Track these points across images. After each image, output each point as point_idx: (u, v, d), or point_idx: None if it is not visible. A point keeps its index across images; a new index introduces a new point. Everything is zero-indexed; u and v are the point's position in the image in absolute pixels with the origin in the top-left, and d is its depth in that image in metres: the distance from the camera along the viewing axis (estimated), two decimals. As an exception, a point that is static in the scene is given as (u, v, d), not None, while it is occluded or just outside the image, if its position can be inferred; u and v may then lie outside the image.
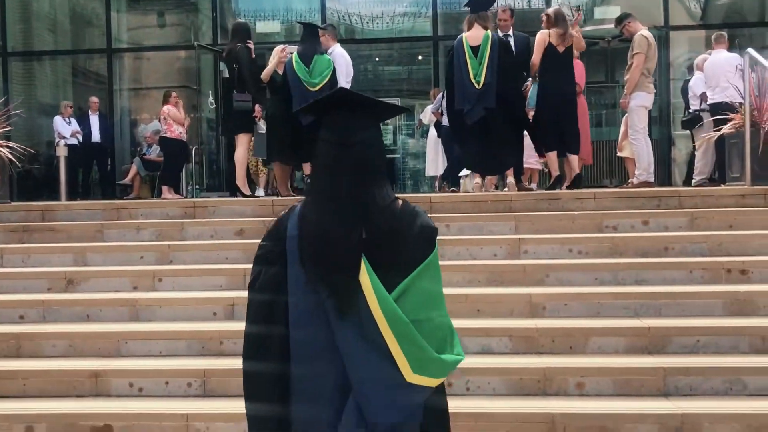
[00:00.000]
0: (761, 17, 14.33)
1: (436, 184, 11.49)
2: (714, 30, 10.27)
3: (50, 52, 15.42)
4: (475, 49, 7.54)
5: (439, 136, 10.67)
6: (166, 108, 10.79)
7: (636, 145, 8.24)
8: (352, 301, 2.03)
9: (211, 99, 13.47)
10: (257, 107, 8.59)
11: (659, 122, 12.75)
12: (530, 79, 7.83)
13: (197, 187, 12.94)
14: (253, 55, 8.74)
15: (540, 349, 4.77)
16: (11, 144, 8.05)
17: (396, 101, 14.91)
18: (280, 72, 8.39)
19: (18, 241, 6.66)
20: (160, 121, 11.23)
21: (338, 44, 8.92)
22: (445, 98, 8.38)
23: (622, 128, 9.17)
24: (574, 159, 7.84)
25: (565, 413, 4.16)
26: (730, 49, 9.12)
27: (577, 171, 7.85)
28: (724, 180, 7.95)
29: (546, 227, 6.20)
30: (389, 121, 13.89)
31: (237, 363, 4.72)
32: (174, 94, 11.12)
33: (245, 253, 6.06)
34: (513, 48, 7.86)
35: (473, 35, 7.62)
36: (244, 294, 5.53)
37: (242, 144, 8.69)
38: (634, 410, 4.18)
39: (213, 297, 5.47)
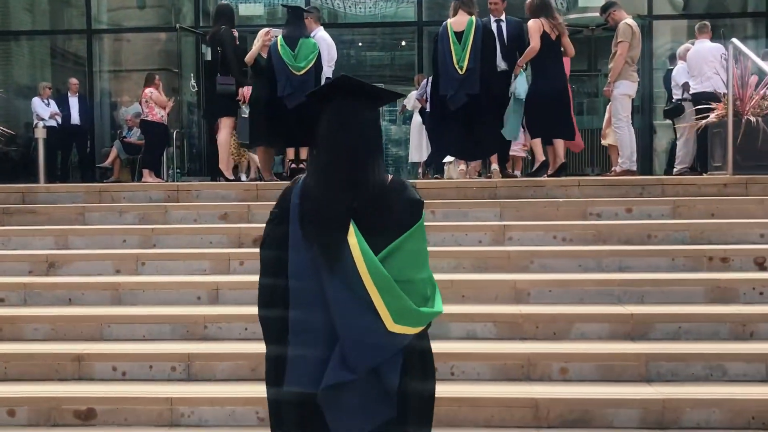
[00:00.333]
0: (743, 8, 14.46)
1: (420, 170, 11.50)
2: (696, 20, 10.34)
3: (28, 32, 15.18)
4: (459, 35, 7.53)
5: (423, 123, 10.66)
6: (148, 91, 10.68)
7: (619, 133, 8.29)
8: (339, 258, 2.30)
9: (192, 82, 13.33)
10: (242, 90, 8.51)
11: (641, 111, 12.84)
12: (516, 66, 7.78)
13: (178, 171, 12.85)
14: (237, 39, 8.67)
15: (524, 334, 4.80)
16: (-11, 125, 7.93)
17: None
18: (264, 55, 8.33)
19: (-2, 224, 6.58)
20: (141, 104, 11.11)
21: (321, 27, 8.87)
22: (430, 84, 8.37)
23: (606, 116, 9.22)
24: (559, 146, 7.85)
25: (549, 398, 4.19)
26: (714, 39, 9.17)
27: (562, 159, 7.87)
28: (706, 169, 8.02)
29: (530, 214, 6.23)
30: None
31: (221, 347, 4.79)
32: (157, 77, 11.00)
33: (229, 237, 6.05)
34: (505, 33, 7.82)
35: (458, 21, 7.61)
36: (228, 278, 5.56)
37: (225, 127, 8.63)
38: (616, 395, 4.22)
39: (197, 281, 5.44)
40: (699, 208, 6.19)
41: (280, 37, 8.11)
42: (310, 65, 7.98)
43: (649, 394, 4.21)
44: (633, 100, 8.57)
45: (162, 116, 10.84)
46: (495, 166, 8.04)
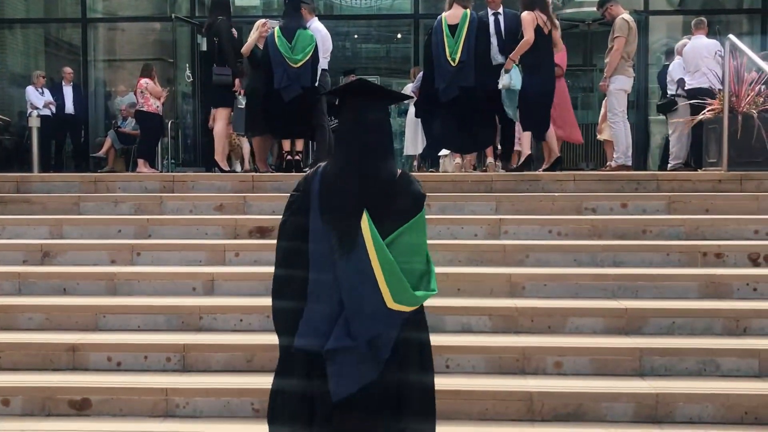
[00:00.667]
0: (739, 4, 14.50)
1: (415, 163, 11.49)
2: (692, 16, 10.35)
3: (22, 20, 15.08)
4: (452, 28, 7.51)
5: (417, 116, 10.63)
6: (143, 81, 10.64)
7: (615, 128, 8.30)
8: (353, 240, 2.62)
9: (188, 72, 13.29)
10: (237, 81, 8.49)
11: (636, 107, 12.86)
12: (509, 59, 7.74)
13: (172, 161, 12.81)
14: (234, 30, 8.64)
15: (519, 328, 4.82)
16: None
17: (375, 80, 14.86)
18: (261, 46, 8.31)
19: (-8, 212, 6.55)
20: (135, 94, 11.06)
21: (316, 18, 8.84)
22: (422, 78, 8.35)
23: (602, 111, 9.22)
24: (553, 140, 7.83)
25: (543, 391, 4.21)
26: (710, 35, 9.19)
27: (557, 153, 7.87)
28: (701, 165, 8.04)
29: (526, 208, 6.23)
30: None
31: (216, 338, 4.79)
32: (154, 68, 10.96)
33: (224, 228, 6.05)
34: (502, 26, 7.79)
35: (452, 14, 7.59)
36: (224, 269, 5.56)
37: (222, 118, 8.60)
38: (610, 389, 4.24)
39: (192, 272, 5.43)
40: (694, 204, 6.21)
41: (277, 28, 8.08)
42: (307, 57, 7.95)
43: (643, 388, 4.23)
44: (628, 95, 8.58)
45: (157, 107, 10.80)
46: (490, 160, 8.04)
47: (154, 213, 6.41)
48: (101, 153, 12.81)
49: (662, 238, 5.77)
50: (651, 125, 13.19)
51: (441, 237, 5.72)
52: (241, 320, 4.92)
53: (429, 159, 10.69)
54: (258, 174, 7.67)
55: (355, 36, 16.29)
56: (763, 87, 7.16)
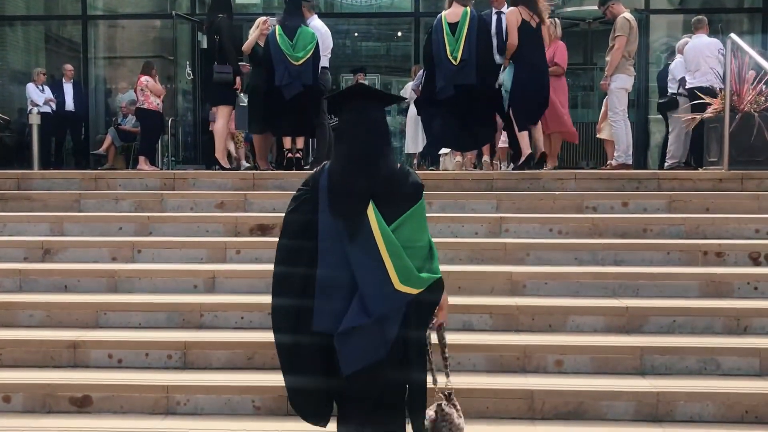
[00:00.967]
0: (739, 3, 14.49)
1: (415, 161, 11.49)
2: (693, 15, 10.33)
3: (22, 17, 15.07)
4: (453, 27, 7.49)
5: (419, 114, 10.62)
6: (144, 78, 10.63)
7: (615, 127, 8.30)
8: (360, 228, 2.91)
9: (188, 70, 13.28)
10: (238, 79, 8.49)
11: (637, 106, 12.86)
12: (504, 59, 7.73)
13: (173, 159, 12.81)
14: (234, 28, 8.64)
15: (520, 326, 4.82)
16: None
17: (375, 78, 14.85)
18: (262, 44, 8.30)
19: (-7, 210, 6.55)
20: (136, 91, 11.06)
21: (315, 16, 8.84)
22: (423, 77, 8.32)
23: (603, 110, 9.21)
24: (538, 135, 7.79)
25: (544, 390, 4.22)
26: (711, 34, 9.18)
27: (530, 150, 7.76)
28: (701, 164, 8.03)
29: (527, 206, 6.23)
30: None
31: (217, 336, 4.78)
32: (154, 66, 10.96)
33: (225, 225, 6.05)
34: (504, 25, 7.76)
35: (452, 12, 7.58)
36: (225, 267, 5.55)
37: (222, 116, 8.60)
38: (611, 388, 4.25)
39: (193, 269, 5.43)
40: (694, 203, 6.21)
41: (278, 26, 8.08)
42: (308, 55, 7.96)
43: (643, 386, 4.24)
44: (629, 94, 8.57)
45: (158, 104, 10.80)
46: (486, 158, 8.02)
47: (155, 210, 6.40)
48: (101, 150, 12.79)
49: (663, 236, 5.78)
50: (651, 124, 13.18)
51: (442, 235, 5.72)
52: (242, 318, 4.92)
53: (429, 157, 10.68)
54: (258, 172, 7.67)
55: (356, 34, 16.28)
56: (764, 86, 7.15)
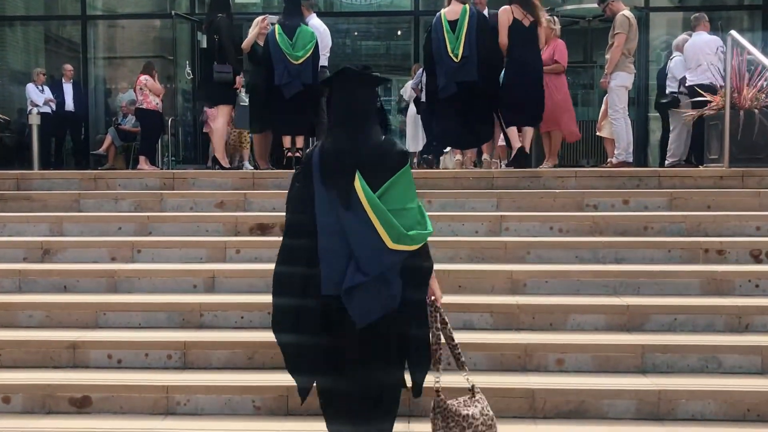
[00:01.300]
0: (739, 0, 14.45)
1: (415, 160, 11.47)
2: (692, 12, 10.32)
3: (22, 18, 15.06)
4: (452, 24, 7.47)
5: (418, 113, 10.62)
6: (143, 78, 10.62)
7: (616, 125, 8.28)
8: (350, 197, 3.20)
9: (188, 69, 13.27)
10: (238, 78, 8.47)
11: (637, 103, 12.84)
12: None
13: (173, 158, 12.79)
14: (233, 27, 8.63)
15: (520, 325, 4.81)
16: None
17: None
18: (261, 43, 8.29)
19: (-8, 210, 6.53)
20: (135, 91, 11.05)
21: (314, 15, 8.83)
22: (424, 75, 8.31)
23: (603, 108, 9.20)
24: (528, 134, 7.75)
25: (545, 389, 4.20)
26: (712, 31, 9.16)
27: (520, 145, 7.73)
28: (702, 161, 8.02)
29: (527, 205, 6.22)
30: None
31: (217, 335, 4.77)
32: (154, 66, 10.95)
33: (225, 225, 6.03)
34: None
35: (451, 10, 7.56)
36: (225, 266, 5.54)
37: (223, 115, 8.59)
38: (612, 386, 4.23)
39: (193, 269, 5.41)
40: (695, 200, 6.20)
41: (277, 25, 8.07)
42: (308, 54, 7.95)
43: (645, 385, 4.22)
44: (629, 91, 8.55)
45: (157, 104, 10.79)
46: (486, 157, 8.00)
47: (155, 210, 6.39)
48: (101, 150, 12.79)
49: (664, 234, 5.76)
50: (651, 122, 13.17)
51: (442, 234, 5.71)
52: (242, 317, 4.91)
53: (428, 156, 10.67)
54: (258, 171, 7.66)
55: (355, 33, 16.25)
56: (765, 83, 7.13)
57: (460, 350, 3.61)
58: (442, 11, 7.64)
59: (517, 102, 7.49)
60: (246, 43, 8.36)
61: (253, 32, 8.40)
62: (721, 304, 4.87)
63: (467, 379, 3.57)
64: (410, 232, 3.20)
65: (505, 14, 7.46)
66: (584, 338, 4.64)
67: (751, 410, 4.09)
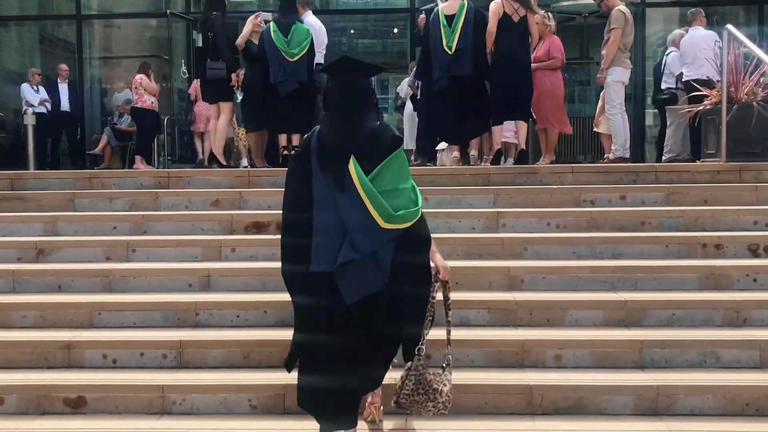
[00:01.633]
0: (736, -5, 14.42)
1: (412, 158, 11.41)
2: (689, 7, 10.29)
3: (17, 18, 15.00)
4: (449, 18, 7.46)
5: (415, 110, 10.57)
6: (138, 77, 10.59)
7: (613, 120, 8.25)
8: (344, 180, 3.43)
9: (183, 68, 13.23)
10: (233, 76, 8.41)
11: (634, 99, 12.81)
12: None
13: (169, 158, 12.75)
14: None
15: (518, 321, 4.79)
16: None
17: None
18: (255, 41, 8.25)
19: (-14, 210, 6.49)
20: (131, 90, 11.01)
21: (310, 12, 8.79)
22: (417, 70, 8.26)
23: (600, 104, 9.17)
24: (522, 131, 7.70)
25: (543, 385, 4.18)
26: (708, 26, 9.14)
27: (522, 146, 7.74)
28: (699, 156, 7.99)
29: (524, 201, 6.20)
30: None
31: (213, 334, 4.74)
32: (150, 65, 10.91)
33: (220, 223, 6.00)
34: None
35: (449, 5, 7.55)
36: (220, 265, 5.52)
37: (224, 112, 8.53)
38: (610, 382, 4.21)
39: (188, 268, 5.38)
40: (692, 195, 6.18)
41: (272, 23, 8.03)
42: (303, 52, 7.90)
43: (643, 380, 4.20)
44: (626, 87, 8.53)
45: (152, 103, 10.75)
46: (474, 153, 7.96)
47: (150, 209, 6.36)
48: (97, 150, 12.75)
49: (661, 229, 5.74)
50: (648, 117, 13.14)
51: (438, 231, 5.67)
52: (237, 316, 4.88)
53: (423, 151, 10.62)
54: (254, 169, 7.62)
55: (352, 31, 16.21)
56: (761, 77, 7.10)
57: (451, 310, 3.87)
58: (440, 6, 7.63)
59: (502, 99, 7.46)
60: (240, 40, 8.31)
61: (246, 29, 8.35)
62: (719, 299, 4.85)
63: (447, 348, 3.81)
64: (399, 212, 3.40)
65: (496, 6, 7.43)
66: (582, 334, 4.62)
67: (749, 404, 4.07)
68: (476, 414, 4.10)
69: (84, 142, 13.59)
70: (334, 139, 3.49)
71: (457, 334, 4.58)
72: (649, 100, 12.51)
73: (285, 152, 8.16)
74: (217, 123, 8.63)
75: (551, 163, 8.12)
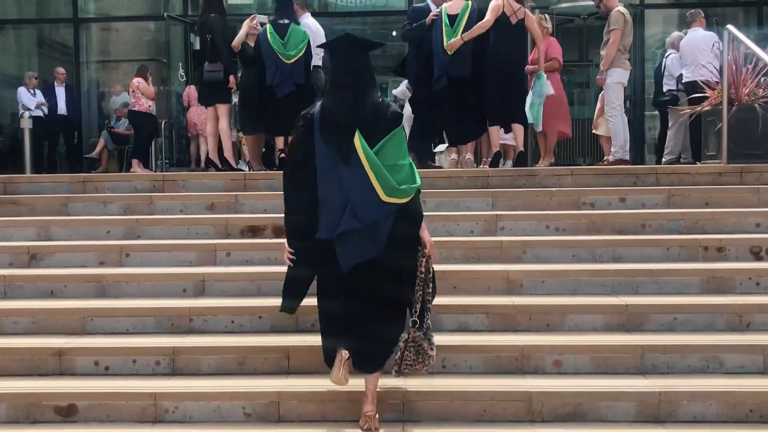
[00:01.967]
0: (735, -4, 14.36)
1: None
2: (687, 9, 10.24)
3: (14, 21, 14.94)
4: (452, 18, 7.39)
5: (413, 112, 10.49)
6: (135, 80, 10.52)
7: (612, 122, 8.18)
8: (349, 153, 3.64)
9: (181, 72, 13.17)
10: (231, 78, 8.33)
11: (633, 101, 12.74)
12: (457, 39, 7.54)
13: (166, 161, 12.68)
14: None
15: (517, 326, 4.71)
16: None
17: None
18: (251, 43, 8.18)
19: (-22, 215, 6.41)
20: (128, 93, 10.94)
21: (308, 14, 8.73)
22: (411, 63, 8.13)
23: (599, 105, 9.10)
24: (519, 133, 7.64)
25: (543, 391, 4.10)
26: (708, 27, 9.08)
27: (521, 148, 7.65)
28: (699, 158, 7.92)
29: (523, 204, 6.12)
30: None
31: (207, 340, 4.67)
32: (148, 69, 10.85)
33: (216, 227, 5.92)
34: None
35: (453, 5, 7.48)
36: (215, 270, 5.45)
37: (224, 115, 8.44)
38: (611, 388, 4.13)
39: (182, 273, 5.30)
40: (693, 197, 6.11)
41: (269, 24, 7.96)
42: (300, 54, 7.84)
43: (645, 386, 4.12)
44: (625, 88, 8.46)
45: (149, 106, 10.69)
46: (469, 156, 7.88)
47: (144, 213, 6.28)
48: (94, 154, 12.68)
49: (662, 232, 5.67)
50: (648, 119, 13.07)
51: (436, 234, 5.54)
52: (232, 321, 4.80)
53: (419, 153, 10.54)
54: (250, 173, 7.55)
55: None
56: (762, 78, 7.03)
57: (432, 299, 3.92)
58: (444, 5, 7.55)
59: (496, 101, 7.39)
60: (235, 42, 8.23)
61: (242, 32, 8.28)
62: (721, 303, 4.78)
63: (427, 315, 3.88)
64: (402, 186, 3.62)
65: (497, 2, 7.33)
66: (582, 339, 4.55)
67: (753, 411, 3.99)
68: (475, 422, 4.02)
69: (81, 145, 13.51)
70: (338, 114, 3.66)
71: (456, 339, 4.54)
72: (648, 102, 12.45)
73: (282, 155, 8.09)
74: (214, 126, 8.54)
75: (550, 165, 8.06)
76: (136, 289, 5.20)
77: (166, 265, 5.50)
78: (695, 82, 8.34)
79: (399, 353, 3.80)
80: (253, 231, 5.85)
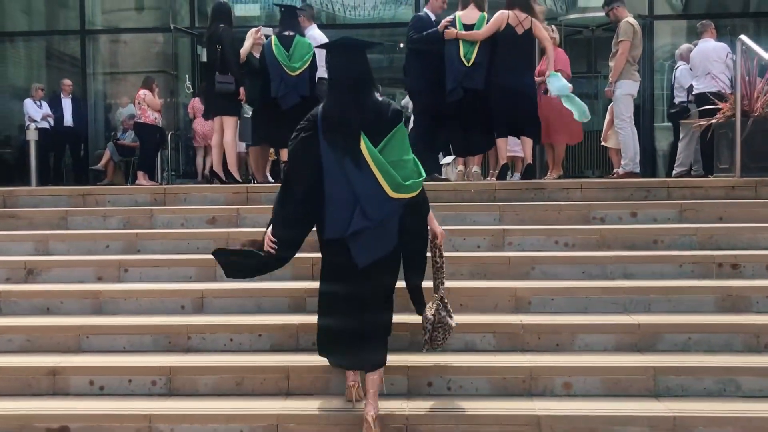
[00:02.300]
0: (744, 8, 14.23)
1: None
2: (697, 20, 10.10)
3: (23, 33, 14.96)
4: (468, 29, 7.27)
5: (414, 122, 10.36)
6: (142, 92, 10.46)
7: (622, 134, 8.04)
8: (355, 153, 3.70)
9: (188, 83, 13.11)
10: (241, 90, 8.23)
11: (642, 113, 12.59)
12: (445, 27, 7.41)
13: (173, 173, 12.60)
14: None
15: (525, 346, 4.55)
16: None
17: (377, 89, 14.66)
18: (257, 54, 8.09)
19: (-24, 229, 6.30)
20: (134, 105, 10.89)
21: (315, 26, 8.64)
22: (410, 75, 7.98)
23: (608, 118, 8.96)
24: (528, 145, 7.50)
25: (552, 415, 3.95)
26: (719, 38, 8.94)
27: (530, 160, 7.52)
28: (711, 171, 7.75)
29: (531, 218, 5.97)
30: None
31: (204, 360, 4.52)
32: (155, 80, 10.79)
33: (217, 241, 5.77)
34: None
35: (468, 15, 7.35)
36: (215, 286, 5.29)
37: (229, 127, 8.32)
38: (623, 412, 3.97)
39: (181, 289, 5.18)
40: (706, 212, 5.94)
41: (274, 36, 7.88)
42: (305, 66, 7.75)
43: (659, 410, 3.96)
44: (634, 100, 8.31)
45: (155, 118, 10.62)
46: (477, 168, 7.75)
47: (144, 227, 6.17)
48: (100, 166, 12.62)
49: (674, 248, 5.50)
50: (658, 131, 12.91)
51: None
52: (231, 340, 4.67)
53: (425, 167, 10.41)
54: (252, 186, 7.43)
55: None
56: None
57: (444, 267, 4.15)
58: (458, 14, 7.40)
59: (503, 114, 7.25)
60: (242, 52, 8.15)
61: (247, 43, 8.20)
62: (737, 322, 4.61)
63: (441, 291, 4.12)
64: (407, 182, 3.69)
65: (501, 15, 7.21)
66: (593, 360, 4.39)
67: (772, 437, 3.82)
68: (481, 446, 3.86)
69: (87, 157, 13.47)
70: (340, 115, 3.73)
71: (461, 359, 4.39)
72: (658, 114, 12.30)
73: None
74: (219, 138, 8.43)
75: (559, 177, 7.90)
76: (134, 306, 5.08)
77: (165, 280, 5.38)
78: (705, 93, 8.20)
79: (428, 334, 4.06)
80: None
